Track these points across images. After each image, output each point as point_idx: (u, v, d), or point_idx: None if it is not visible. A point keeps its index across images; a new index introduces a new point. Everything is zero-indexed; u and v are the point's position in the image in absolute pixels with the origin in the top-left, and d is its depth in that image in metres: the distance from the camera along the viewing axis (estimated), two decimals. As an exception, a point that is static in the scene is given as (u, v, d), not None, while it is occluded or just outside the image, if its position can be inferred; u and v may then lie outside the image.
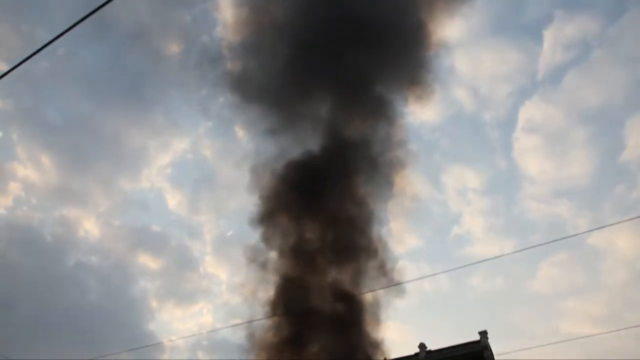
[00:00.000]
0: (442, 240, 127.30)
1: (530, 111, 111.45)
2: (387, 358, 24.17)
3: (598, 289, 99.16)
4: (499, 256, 51.43)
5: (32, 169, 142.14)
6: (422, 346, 26.16)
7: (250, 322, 23.47)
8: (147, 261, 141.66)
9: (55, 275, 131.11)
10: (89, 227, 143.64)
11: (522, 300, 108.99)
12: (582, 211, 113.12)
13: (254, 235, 27.17)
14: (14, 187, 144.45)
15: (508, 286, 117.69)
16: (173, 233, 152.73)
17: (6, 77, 6.37)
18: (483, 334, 24.76)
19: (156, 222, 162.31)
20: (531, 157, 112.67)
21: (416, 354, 25.78)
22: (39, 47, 5.81)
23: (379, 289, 25.37)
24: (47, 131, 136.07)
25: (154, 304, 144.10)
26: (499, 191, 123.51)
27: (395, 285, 20.26)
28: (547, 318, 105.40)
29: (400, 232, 26.74)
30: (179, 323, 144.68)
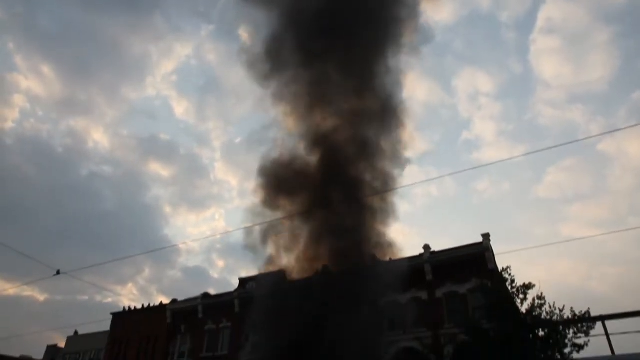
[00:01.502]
0: (451, 145, 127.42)
1: (551, 10, 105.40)
2: (393, 258, 25.24)
3: (604, 194, 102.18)
4: (508, 159, 52.40)
5: (34, 80, 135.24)
6: (426, 247, 27.57)
7: (260, 224, 23.93)
8: (158, 169, 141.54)
9: (69, 186, 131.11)
10: (98, 138, 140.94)
11: (527, 205, 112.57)
12: (595, 117, 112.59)
13: (263, 141, 26.72)
14: (18, 99, 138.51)
15: (514, 191, 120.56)
16: (182, 141, 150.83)
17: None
18: (485, 236, 26.02)
19: (164, 130, 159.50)
20: (548, 60, 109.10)
21: (420, 255, 27.27)
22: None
23: (386, 191, 25.63)
24: (44, 40, 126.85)
25: (167, 210, 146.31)
26: (512, 96, 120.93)
27: (403, 188, 20.56)
28: (550, 222, 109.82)
29: (409, 137, 26.56)
30: (192, 228, 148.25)
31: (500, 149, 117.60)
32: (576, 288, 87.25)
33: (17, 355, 50.89)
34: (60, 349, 46.70)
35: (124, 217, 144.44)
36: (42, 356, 48.79)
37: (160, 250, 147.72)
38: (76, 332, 45.05)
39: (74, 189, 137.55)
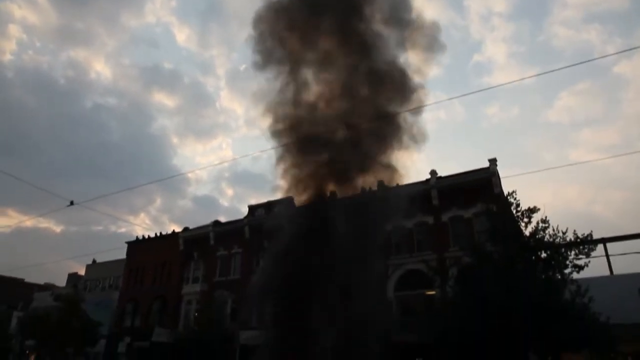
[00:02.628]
0: (461, 68, 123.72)
1: None
2: (400, 184, 25.40)
3: (616, 118, 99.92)
4: (520, 79, 50.85)
5: (28, 9, 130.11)
6: (433, 173, 27.69)
7: (270, 149, 23.97)
8: (163, 99, 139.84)
9: (75, 118, 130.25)
10: (100, 69, 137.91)
11: (537, 130, 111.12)
12: (613, 37, 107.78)
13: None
14: (14, 30, 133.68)
15: (524, 116, 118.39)
16: (185, 69, 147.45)
17: None
18: (492, 161, 26.02)
19: (167, 59, 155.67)
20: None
21: (427, 180, 27.46)
22: None
23: (395, 113, 25.10)
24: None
25: (174, 140, 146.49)
26: (527, 16, 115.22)
27: (411, 110, 20.11)
28: (559, 147, 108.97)
29: (419, 60, 25.71)
30: (200, 157, 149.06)
31: (512, 72, 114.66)
32: (581, 213, 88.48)
33: (42, 282, 53.48)
34: (81, 276, 48.98)
35: (131, 148, 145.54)
36: (64, 283, 51.29)
37: (169, 180, 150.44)
38: (94, 261, 46.98)
39: (79, 121, 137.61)
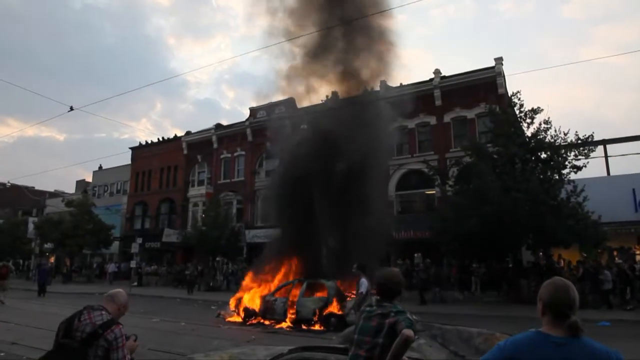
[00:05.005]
0: None
1: None
2: (403, 83, 24.94)
3: (636, 14, 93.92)
4: None
5: None
6: (436, 72, 26.98)
7: (268, 46, 23.09)
8: None
9: (65, 21, 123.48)
10: None
11: (550, 27, 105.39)
12: None
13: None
14: None
15: (538, 12, 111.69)
16: None
17: None
18: (498, 60, 25.26)
19: None
20: None
21: (430, 80, 26.83)
22: None
23: (400, 6, 23.79)
24: None
25: (171, 41, 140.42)
26: None
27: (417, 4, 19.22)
28: (572, 45, 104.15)
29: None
30: (199, 60, 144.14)
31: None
32: (588, 115, 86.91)
33: (51, 190, 54.70)
34: (89, 182, 50.05)
35: (127, 51, 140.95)
36: (73, 190, 52.55)
37: (169, 84, 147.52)
38: (100, 167, 47.72)
39: (70, 24, 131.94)
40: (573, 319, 1.99)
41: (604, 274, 16.94)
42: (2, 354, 8.63)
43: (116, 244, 38.61)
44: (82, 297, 20.09)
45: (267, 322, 14.20)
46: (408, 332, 2.78)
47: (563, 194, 18.04)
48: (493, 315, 14.75)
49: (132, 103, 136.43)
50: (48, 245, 39.37)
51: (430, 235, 21.26)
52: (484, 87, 25.20)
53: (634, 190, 20.69)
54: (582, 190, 17.82)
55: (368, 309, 3.21)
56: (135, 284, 29.09)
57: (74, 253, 37.50)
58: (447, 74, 27.01)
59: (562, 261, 19.86)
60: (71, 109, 20.67)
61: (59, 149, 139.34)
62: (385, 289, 3.22)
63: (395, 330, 2.86)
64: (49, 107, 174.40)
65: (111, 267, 34.92)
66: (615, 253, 20.10)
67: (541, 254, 19.94)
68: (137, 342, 3.56)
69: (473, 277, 21.22)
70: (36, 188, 53.50)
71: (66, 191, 53.22)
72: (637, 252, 20.78)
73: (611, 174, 22.51)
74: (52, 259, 41.97)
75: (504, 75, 24.84)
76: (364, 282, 10.30)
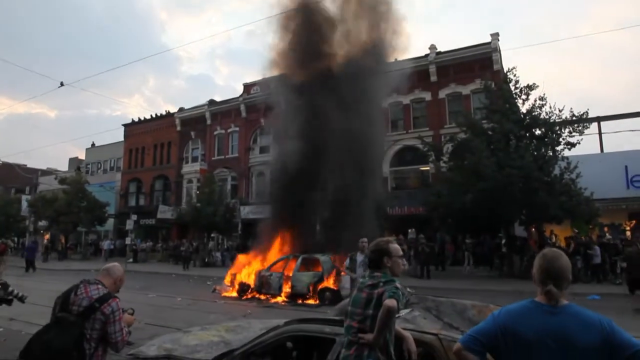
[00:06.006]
0: None
1: None
2: (398, 59, 24.66)
3: None
4: None
5: None
6: (432, 48, 26.73)
7: (261, 19, 22.72)
8: None
9: None
10: None
11: (547, 1, 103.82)
12: None
13: None
14: None
15: None
16: None
17: None
18: (494, 35, 25.06)
19: None
20: None
21: (426, 56, 26.59)
22: None
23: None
24: None
25: (163, 16, 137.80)
26: None
27: None
28: (570, 19, 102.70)
29: None
30: (191, 34, 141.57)
31: None
32: (585, 92, 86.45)
33: (44, 167, 54.33)
34: (82, 160, 49.73)
35: (118, 27, 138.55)
36: (66, 168, 52.24)
37: (161, 59, 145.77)
38: (93, 144, 47.34)
39: (57, 2, 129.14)
40: (549, 287, 2.04)
41: (593, 249, 17.24)
42: (0, 329, 8.70)
43: (111, 221, 38.59)
44: (78, 274, 20.18)
45: (262, 297, 14.38)
46: (390, 302, 2.78)
47: (557, 171, 18.13)
48: (485, 290, 14.97)
49: (125, 79, 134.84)
50: (42, 223, 39.31)
51: (424, 210, 21.42)
52: (480, 63, 25.08)
53: (626, 167, 20.85)
54: (576, 167, 17.92)
55: (361, 280, 3.26)
56: (131, 260, 29.27)
57: (68, 231, 37.46)
58: (442, 50, 26.78)
59: (554, 237, 20.12)
60: (61, 84, 20.44)
61: (51, 125, 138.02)
62: (371, 259, 3.25)
63: (382, 301, 2.89)
64: (39, 83, 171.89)
65: (106, 244, 35.00)
66: (606, 229, 20.38)
67: (533, 229, 20.15)
68: (134, 316, 3.59)
69: (466, 253, 21.49)
70: (28, 166, 53.12)
71: (58, 169, 52.84)
72: (627, 228, 21.07)
73: (605, 151, 22.64)
74: (47, 237, 41.97)
75: (499, 52, 24.68)
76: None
